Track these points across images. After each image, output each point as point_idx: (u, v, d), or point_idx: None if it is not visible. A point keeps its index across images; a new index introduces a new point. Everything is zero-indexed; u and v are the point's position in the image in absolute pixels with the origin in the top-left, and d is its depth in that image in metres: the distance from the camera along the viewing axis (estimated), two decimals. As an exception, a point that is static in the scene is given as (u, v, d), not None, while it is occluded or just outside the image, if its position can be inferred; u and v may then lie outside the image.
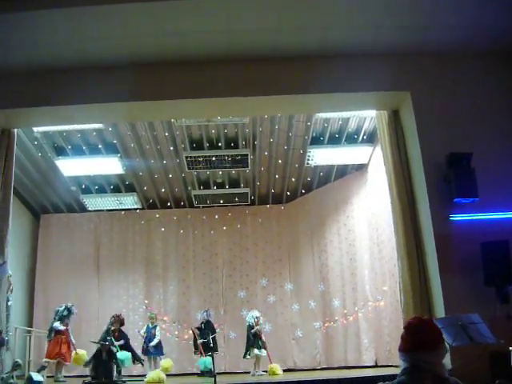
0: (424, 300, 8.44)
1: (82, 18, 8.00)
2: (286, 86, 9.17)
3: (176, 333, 14.31)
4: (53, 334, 11.10)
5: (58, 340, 11.13)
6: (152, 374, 10.43)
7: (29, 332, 12.27)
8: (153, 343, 12.05)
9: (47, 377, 10.75)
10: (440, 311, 7.96)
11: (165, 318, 14.28)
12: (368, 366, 12.87)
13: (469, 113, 8.93)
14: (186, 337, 12.81)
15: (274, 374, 11.91)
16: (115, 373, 9.84)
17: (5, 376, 7.37)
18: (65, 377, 11.24)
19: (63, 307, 11.51)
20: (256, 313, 12.45)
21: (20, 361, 8.41)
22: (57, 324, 11.11)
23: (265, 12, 8.17)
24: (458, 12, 8.29)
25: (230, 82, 9.19)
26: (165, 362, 12.04)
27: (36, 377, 7.22)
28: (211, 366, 9.96)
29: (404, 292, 8.67)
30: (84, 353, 11.14)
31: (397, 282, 9.58)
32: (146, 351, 12.08)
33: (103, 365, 9.61)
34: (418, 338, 3.09)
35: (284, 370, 13.56)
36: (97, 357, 9.73)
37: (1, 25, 7.98)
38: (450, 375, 3.11)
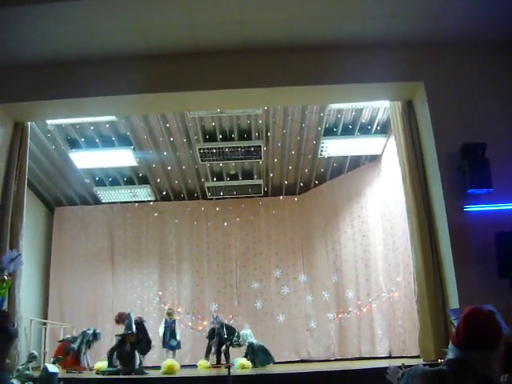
0: (438, 291, 8.43)
1: (94, 11, 7.99)
2: (299, 77, 9.15)
3: (190, 324, 14.34)
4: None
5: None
6: (167, 364, 10.08)
7: (44, 324, 12.37)
8: (175, 339, 12.17)
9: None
10: (454, 302, 7.93)
11: (179, 310, 14.31)
12: (382, 357, 12.87)
13: (483, 103, 8.86)
14: (200, 328, 12.83)
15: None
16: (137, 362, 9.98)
17: (20, 367, 7.41)
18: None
19: (91, 331, 11.38)
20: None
21: (35, 352, 8.45)
22: (83, 359, 11.01)
23: (279, 2, 8.13)
24: (472, 1, 8.22)
25: (244, 73, 9.17)
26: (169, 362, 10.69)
27: (51, 368, 7.25)
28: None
29: (418, 283, 8.66)
30: (104, 365, 11.10)
31: (411, 273, 9.57)
32: (166, 344, 12.16)
33: (126, 354, 9.74)
34: (474, 334, 2.74)
35: (298, 361, 13.70)
36: (120, 346, 9.89)
37: (13, 18, 7.99)
38: None
